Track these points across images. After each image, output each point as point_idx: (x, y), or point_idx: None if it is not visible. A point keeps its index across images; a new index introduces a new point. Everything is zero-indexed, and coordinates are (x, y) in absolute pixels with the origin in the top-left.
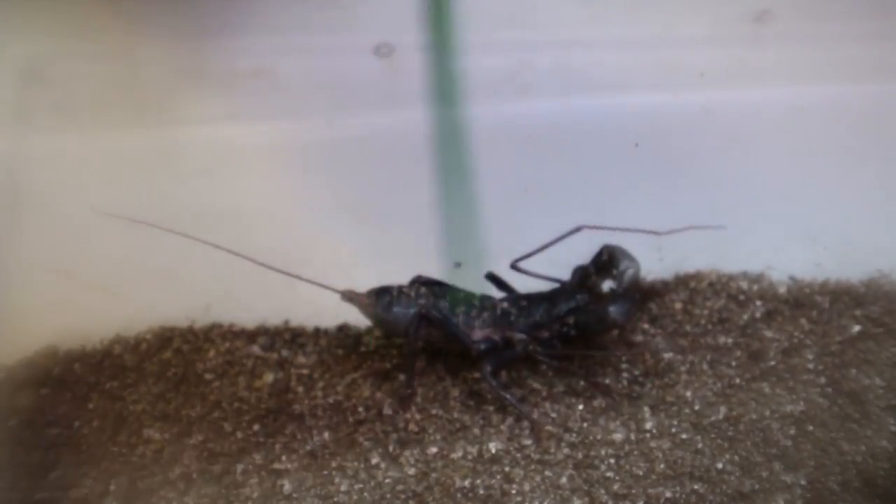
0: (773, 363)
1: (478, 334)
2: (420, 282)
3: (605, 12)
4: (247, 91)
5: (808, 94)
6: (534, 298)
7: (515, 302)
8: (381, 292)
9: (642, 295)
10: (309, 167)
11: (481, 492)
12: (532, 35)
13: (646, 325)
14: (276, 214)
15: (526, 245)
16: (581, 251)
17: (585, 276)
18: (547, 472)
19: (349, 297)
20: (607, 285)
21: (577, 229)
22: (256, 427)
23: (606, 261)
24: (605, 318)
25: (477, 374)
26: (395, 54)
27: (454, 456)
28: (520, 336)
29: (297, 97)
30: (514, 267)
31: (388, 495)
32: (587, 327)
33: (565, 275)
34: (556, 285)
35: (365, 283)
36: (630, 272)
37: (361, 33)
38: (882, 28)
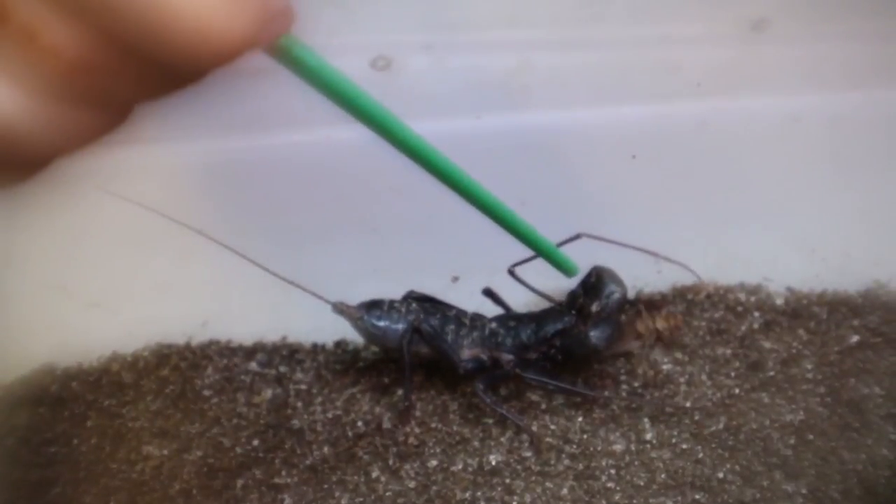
0: (772, 373)
1: (466, 353)
2: (412, 297)
3: (601, 22)
4: (244, 102)
5: (806, 103)
6: (522, 319)
7: (504, 322)
8: (372, 305)
9: (638, 309)
10: (307, 178)
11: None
12: (528, 47)
13: None
14: (273, 226)
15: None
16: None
17: (574, 298)
18: (548, 484)
19: (340, 308)
20: (596, 308)
21: (577, 237)
22: (256, 442)
23: (594, 283)
24: (585, 342)
25: (473, 389)
26: (392, 67)
27: (454, 468)
28: (507, 357)
29: (293, 109)
30: (510, 273)
31: None
32: (570, 351)
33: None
34: (551, 302)
35: (363, 296)
36: (615, 297)
37: (358, 46)
38: (880, 37)
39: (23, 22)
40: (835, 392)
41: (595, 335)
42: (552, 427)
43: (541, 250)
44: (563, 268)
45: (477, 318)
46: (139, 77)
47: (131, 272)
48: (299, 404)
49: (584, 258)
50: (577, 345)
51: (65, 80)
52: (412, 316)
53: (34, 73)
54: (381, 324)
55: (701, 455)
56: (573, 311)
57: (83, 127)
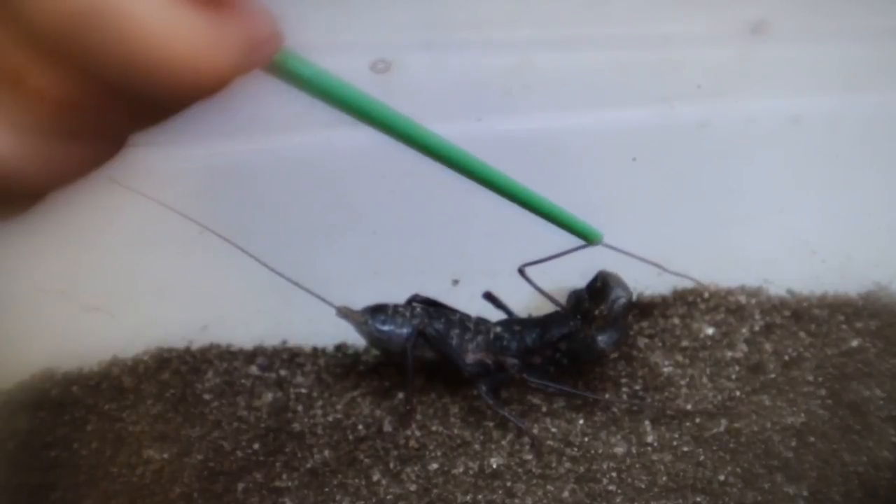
0: (773, 376)
1: (471, 357)
2: (416, 301)
3: (601, 22)
4: (245, 105)
5: (806, 103)
6: (527, 323)
7: (509, 326)
8: (376, 310)
9: (638, 313)
10: (307, 181)
11: None
12: (528, 47)
13: (645, 340)
14: (274, 229)
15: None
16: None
17: (579, 302)
18: (549, 487)
19: (344, 312)
20: (601, 312)
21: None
22: (256, 446)
23: (600, 287)
24: (592, 346)
25: (476, 392)
26: (392, 70)
27: (455, 472)
28: (512, 361)
29: (294, 112)
30: (520, 272)
31: None
32: (576, 355)
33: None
34: (556, 306)
35: (363, 299)
36: (621, 301)
37: (358, 48)
38: (880, 37)
39: (7, 66)
40: (836, 394)
41: (603, 339)
42: (553, 430)
43: (561, 221)
44: (587, 236)
45: (481, 323)
46: (128, 111)
47: (131, 276)
48: (300, 408)
49: (584, 260)
50: (584, 349)
51: (54, 119)
52: (416, 320)
53: (23, 114)
54: (386, 328)
55: (702, 457)
56: (578, 316)
57: (76, 161)
